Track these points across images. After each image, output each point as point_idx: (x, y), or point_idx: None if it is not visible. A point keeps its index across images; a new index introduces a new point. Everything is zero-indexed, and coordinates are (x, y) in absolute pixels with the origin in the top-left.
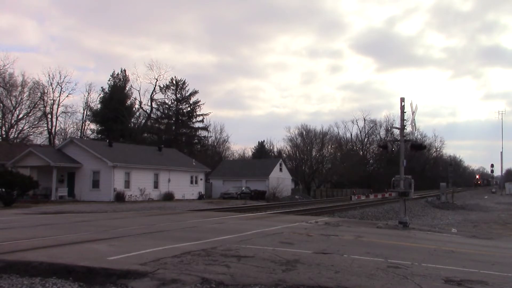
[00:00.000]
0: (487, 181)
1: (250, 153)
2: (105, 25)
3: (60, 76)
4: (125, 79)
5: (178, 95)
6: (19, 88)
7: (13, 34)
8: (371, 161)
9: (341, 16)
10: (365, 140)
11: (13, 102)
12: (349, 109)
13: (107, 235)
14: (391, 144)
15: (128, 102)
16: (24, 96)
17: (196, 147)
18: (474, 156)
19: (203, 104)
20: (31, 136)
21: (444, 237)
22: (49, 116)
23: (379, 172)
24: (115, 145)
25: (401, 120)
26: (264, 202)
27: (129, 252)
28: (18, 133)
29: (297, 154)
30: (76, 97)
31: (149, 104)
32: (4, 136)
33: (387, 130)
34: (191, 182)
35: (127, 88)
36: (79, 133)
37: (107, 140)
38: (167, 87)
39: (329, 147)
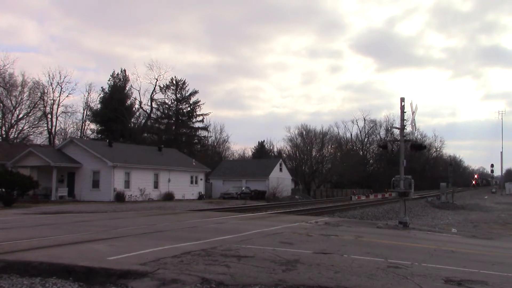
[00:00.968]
0: (486, 181)
1: (250, 153)
2: (105, 25)
3: (60, 76)
4: (125, 79)
5: (178, 95)
6: (19, 88)
7: (13, 34)
8: (371, 161)
9: (341, 16)
10: (365, 140)
11: (13, 102)
12: (349, 109)
13: (107, 235)
14: (391, 144)
15: (128, 102)
16: (24, 96)
17: (196, 147)
18: (474, 156)
19: (203, 104)
20: (31, 136)
21: (444, 237)
22: (49, 116)
23: (379, 172)
24: (115, 145)
25: (401, 120)
26: (264, 202)
27: (129, 252)
28: (18, 133)
29: (297, 154)
30: (76, 97)
31: (149, 104)
32: (4, 136)
33: (387, 130)
34: (191, 182)
35: (127, 88)
36: (79, 133)
37: (107, 140)
38: (167, 87)
39: (329, 147)
